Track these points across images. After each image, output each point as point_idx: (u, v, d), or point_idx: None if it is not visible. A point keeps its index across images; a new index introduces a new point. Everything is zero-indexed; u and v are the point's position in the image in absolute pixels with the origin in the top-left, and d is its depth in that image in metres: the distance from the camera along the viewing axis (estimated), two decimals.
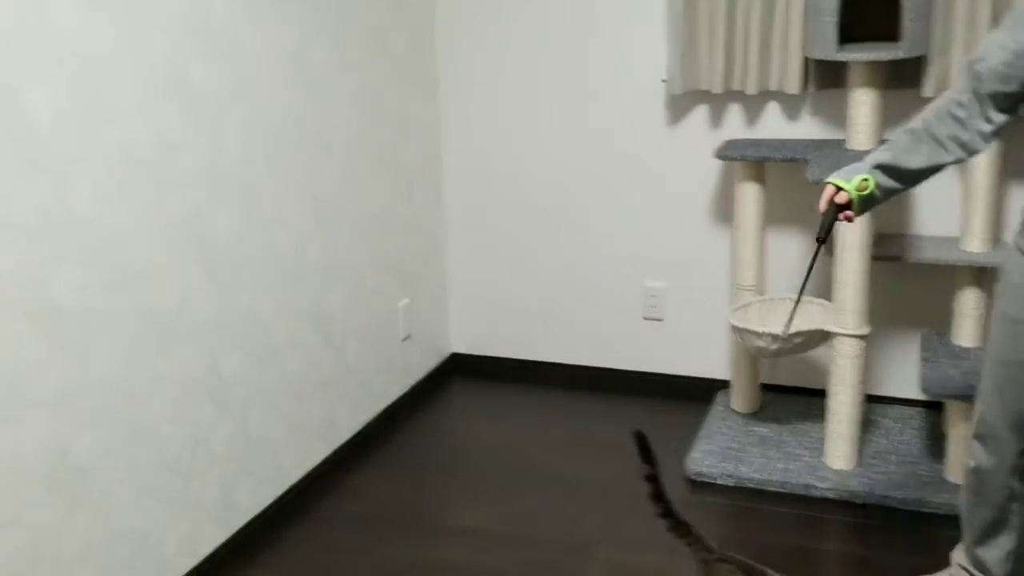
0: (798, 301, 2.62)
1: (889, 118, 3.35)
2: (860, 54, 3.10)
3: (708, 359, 3.85)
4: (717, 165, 3.65)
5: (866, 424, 3.50)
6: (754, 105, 3.57)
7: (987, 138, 2.25)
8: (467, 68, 3.90)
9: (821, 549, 2.96)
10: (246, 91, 2.91)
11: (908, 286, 3.54)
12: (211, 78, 2.76)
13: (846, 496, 3.15)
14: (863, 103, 3.17)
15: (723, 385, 3.81)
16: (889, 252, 3.29)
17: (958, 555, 2.63)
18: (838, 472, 3.23)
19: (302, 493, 3.29)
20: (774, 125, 3.56)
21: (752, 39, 3.39)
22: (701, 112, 3.63)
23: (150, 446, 2.65)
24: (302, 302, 3.24)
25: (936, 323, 3.48)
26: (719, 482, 3.27)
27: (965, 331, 3.28)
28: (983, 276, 3.22)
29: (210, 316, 2.83)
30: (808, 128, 3.54)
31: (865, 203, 2.34)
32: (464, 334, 4.21)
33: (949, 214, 3.41)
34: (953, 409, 3.08)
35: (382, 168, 3.63)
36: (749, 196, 3.42)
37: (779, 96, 3.53)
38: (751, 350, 3.34)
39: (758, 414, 3.64)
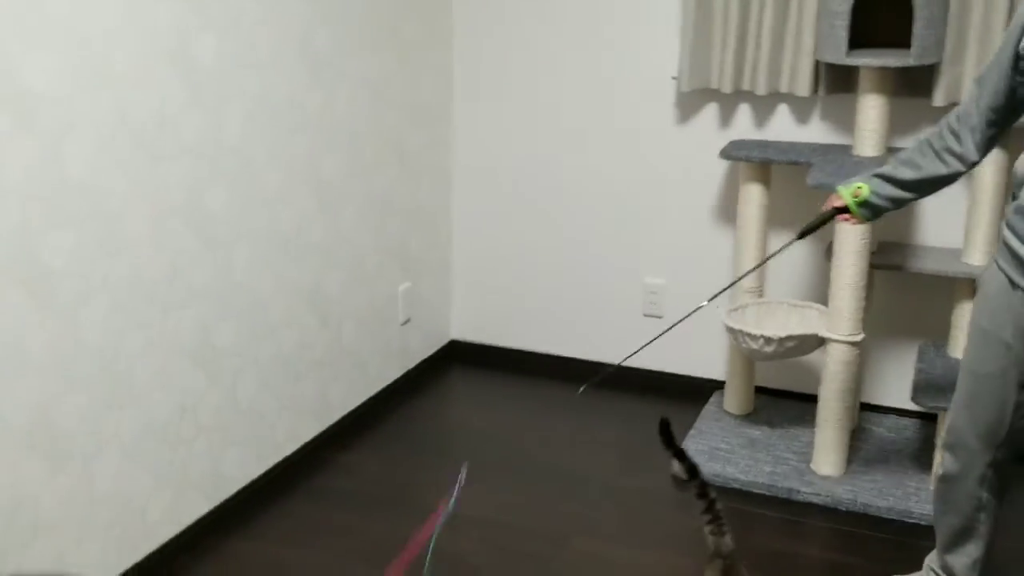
0: (739, 279, 2.87)
1: (898, 126, 3.33)
2: (870, 59, 3.08)
3: (705, 359, 3.85)
4: (723, 165, 3.64)
5: (858, 432, 3.49)
6: (764, 106, 3.55)
7: (980, 148, 2.29)
8: (480, 60, 3.91)
9: (802, 553, 2.96)
10: (250, 68, 2.93)
11: (908, 296, 3.52)
12: (215, 52, 2.79)
13: (830, 502, 3.14)
14: (871, 109, 3.16)
15: (719, 385, 3.80)
16: (890, 261, 3.27)
17: (930, 558, 2.65)
18: (825, 478, 3.22)
19: (292, 468, 3.32)
20: (783, 127, 3.55)
21: (764, 39, 3.38)
22: (710, 111, 3.62)
23: (136, 413, 2.68)
24: (301, 281, 3.26)
25: (935, 334, 3.46)
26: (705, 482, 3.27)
27: (962, 344, 3.24)
28: None
29: (204, 287, 2.86)
30: (817, 132, 3.52)
31: (868, 209, 2.46)
32: (465, 321, 4.22)
33: (953, 226, 3.38)
34: (945, 420, 3.07)
35: (389, 153, 3.64)
36: (752, 197, 3.41)
37: (789, 98, 3.51)
38: (745, 352, 3.34)
39: (751, 416, 3.63)
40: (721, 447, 3.41)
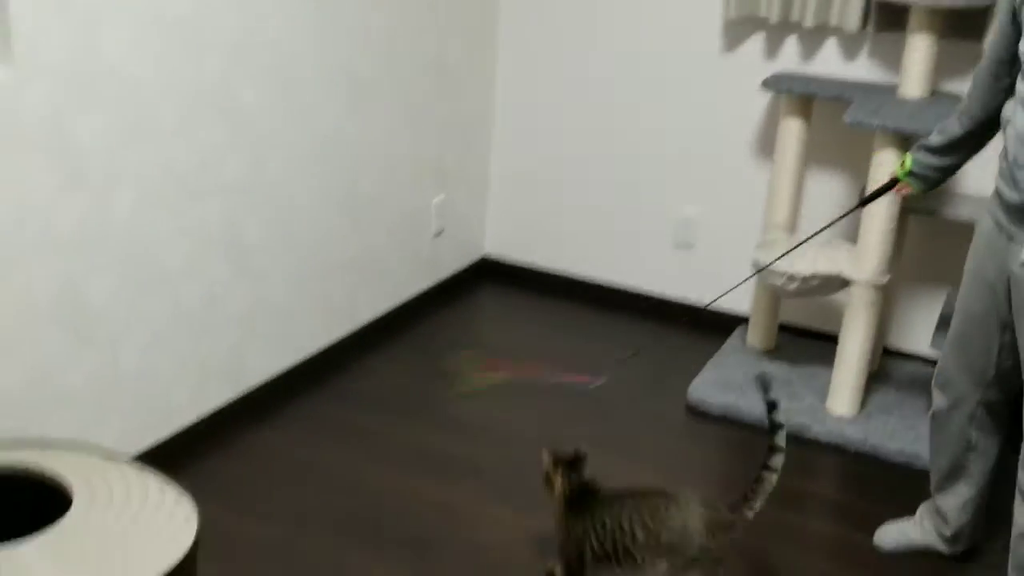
0: (801, 243, 2.79)
1: (946, 69, 3.26)
2: None
3: (732, 293, 3.84)
4: (765, 97, 3.60)
5: (878, 375, 3.49)
6: (811, 40, 3.49)
7: (986, 105, 2.34)
8: None
9: (805, 490, 2.99)
10: None
11: (941, 242, 3.48)
12: None
13: (840, 442, 3.16)
14: (919, 49, 3.10)
15: (743, 320, 3.81)
16: (924, 206, 3.23)
17: (925, 504, 2.69)
18: (838, 418, 3.24)
19: (316, 367, 3.41)
20: (830, 63, 3.49)
21: None
22: (756, 41, 3.57)
23: (164, 299, 2.77)
24: (332, 182, 3.31)
25: None
26: (715, 412, 3.30)
27: None
28: None
29: (234, 179, 2.92)
30: (864, 70, 3.46)
31: (916, 179, 2.53)
32: (498, 238, 4.26)
33: (992, 174, 3.32)
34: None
35: (427, 63, 3.64)
36: (792, 132, 3.38)
37: (838, 33, 3.45)
38: (770, 288, 3.34)
39: (772, 352, 3.64)
40: (737, 379, 3.43)
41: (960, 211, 3.19)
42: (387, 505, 2.78)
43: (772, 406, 2.34)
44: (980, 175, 3.37)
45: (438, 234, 3.93)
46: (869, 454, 3.13)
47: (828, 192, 3.59)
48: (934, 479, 2.60)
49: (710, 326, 3.84)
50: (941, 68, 3.22)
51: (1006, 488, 2.50)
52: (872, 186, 3.00)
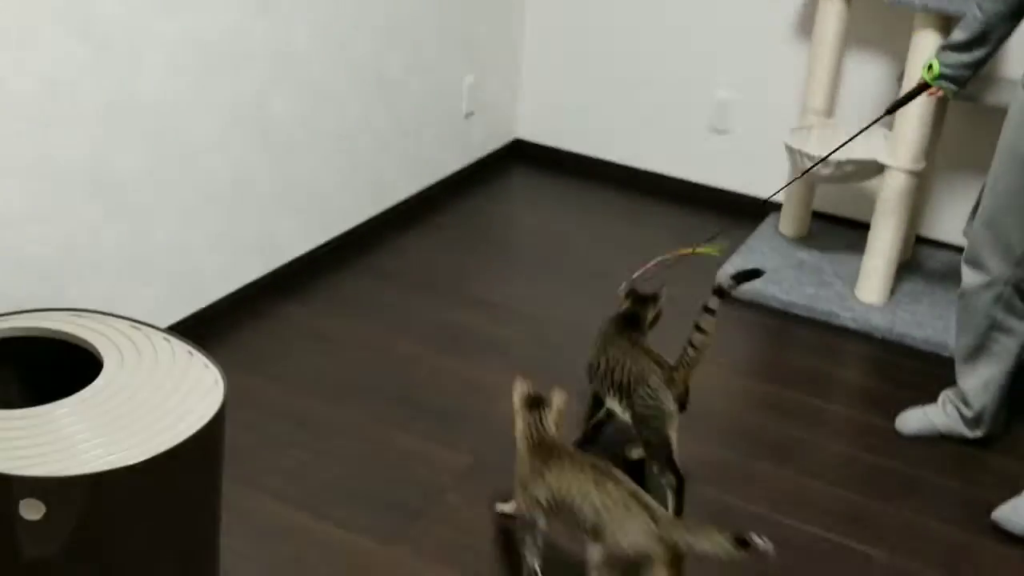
0: (861, 130, 2.80)
1: None
2: None
3: (767, 179, 3.81)
4: None
5: (910, 263, 3.47)
6: None
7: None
8: None
9: (830, 373, 3.00)
10: None
11: (981, 131, 3.41)
12: None
13: (867, 329, 3.16)
14: None
15: (776, 207, 3.78)
16: (965, 92, 3.15)
17: (947, 391, 2.71)
18: (866, 305, 3.23)
19: (346, 245, 3.44)
20: None
21: None
22: None
23: (193, 172, 2.78)
24: (360, 60, 3.28)
25: None
26: (743, 297, 3.30)
27: None
28: None
29: (260, 51, 2.89)
30: None
31: (946, 80, 2.50)
32: (531, 121, 4.22)
33: None
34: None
35: None
36: (832, 12, 3.29)
37: None
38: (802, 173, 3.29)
39: (804, 239, 3.62)
40: (767, 266, 3.42)
41: (1000, 97, 3.11)
42: (412, 379, 2.84)
43: (743, 277, 2.29)
44: (1023, 56, 3.28)
45: (469, 115, 3.90)
46: (896, 342, 3.13)
47: (866, 77, 3.51)
48: (958, 358, 2.61)
49: (742, 212, 3.82)
50: None
51: None
52: (908, 78, 2.94)
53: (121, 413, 1.87)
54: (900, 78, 3.21)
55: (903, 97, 2.63)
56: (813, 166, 3.04)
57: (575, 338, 3.06)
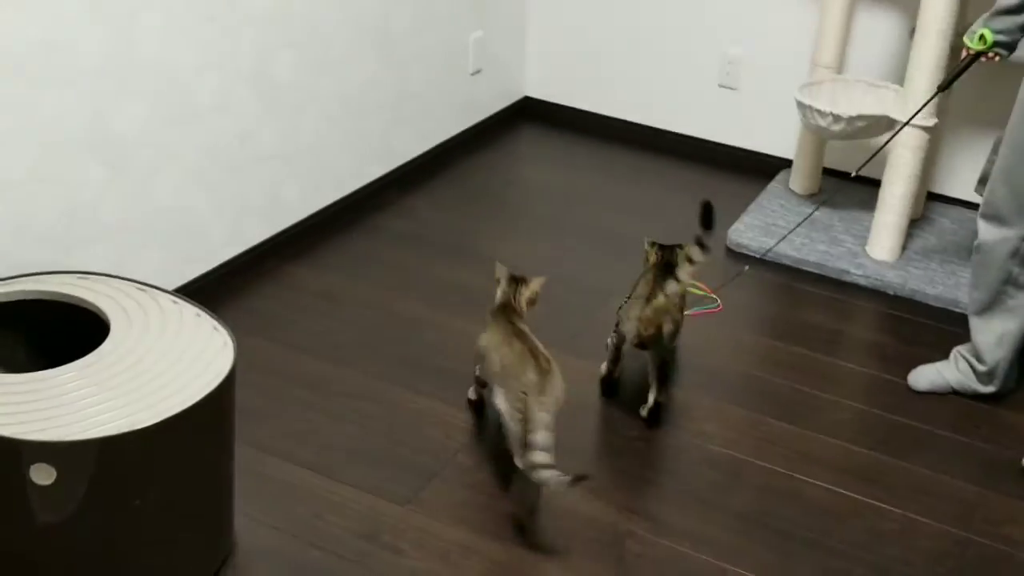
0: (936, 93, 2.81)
1: None
2: None
3: (777, 136, 3.77)
4: None
5: (921, 221, 3.43)
6: None
7: None
8: None
9: (841, 330, 2.98)
10: None
11: (995, 86, 3.35)
12: None
13: (879, 285, 3.14)
14: None
15: (787, 164, 3.74)
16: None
17: (959, 347, 2.69)
18: (878, 262, 3.20)
19: (352, 206, 3.41)
20: None
21: None
22: None
23: (196, 132, 2.75)
24: (364, 17, 3.23)
25: None
26: (754, 255, 3.27)
27: None
28: None
29: (263, 9, 2.85)
30: None
31: (1001, 47, 2.45)
32: (539, 79, 4.17)
33: None
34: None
35: None
36: None
37: None
38: (811, 129, 3.25)
39: (815, 196, 3.58)
40: (778, 223, 3.39)
41: (1019, 54, 3.05)
42: (421, 339, 2.82)
43: (707, 221, 2.44)
44: None
45: (476, 73, 3.86)
46: (907, 299, 3.11)
47: (878, 32, 3.46)
48: (971, 313, 2.60)
49: (753, 169, 3.78)
50: None
51: None
52: (921, 33, 2.89)
53: (130, 376, 1.86)
54: (911, 33, 3.16)
55: (955, 73, 2.60)
56: (911, 119, 2.94)
57: (583, 295, 3.04)
